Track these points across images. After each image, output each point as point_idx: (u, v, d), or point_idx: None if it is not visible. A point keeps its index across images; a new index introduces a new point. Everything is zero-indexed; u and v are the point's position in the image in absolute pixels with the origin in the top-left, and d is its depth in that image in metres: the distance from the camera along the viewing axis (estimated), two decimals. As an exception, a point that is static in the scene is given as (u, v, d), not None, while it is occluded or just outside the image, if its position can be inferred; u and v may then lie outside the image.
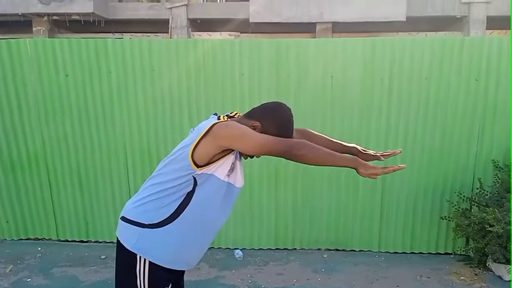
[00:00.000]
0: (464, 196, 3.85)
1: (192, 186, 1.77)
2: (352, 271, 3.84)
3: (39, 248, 4.28)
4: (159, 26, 10.27)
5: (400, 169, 1.68)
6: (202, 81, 3.95)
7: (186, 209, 1.79)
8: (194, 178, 1.76)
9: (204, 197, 1.79)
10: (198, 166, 1.74)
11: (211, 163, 1.76)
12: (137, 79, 3.97)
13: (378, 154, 2.03)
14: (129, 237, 1.83)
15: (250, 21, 9.55)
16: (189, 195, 1.78)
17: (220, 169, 1.79)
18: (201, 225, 1.85)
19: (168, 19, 9.93)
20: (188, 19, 10.00)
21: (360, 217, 4.13)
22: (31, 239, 4.48)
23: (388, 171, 1.68)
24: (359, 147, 2.08)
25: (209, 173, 1.77)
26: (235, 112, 1.99)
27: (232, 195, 1.91)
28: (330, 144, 2.13)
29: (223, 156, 1.78)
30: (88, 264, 3.95)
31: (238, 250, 4.20)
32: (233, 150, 1.81)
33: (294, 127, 1.95)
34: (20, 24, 9.98)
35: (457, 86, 3.82)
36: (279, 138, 1.75)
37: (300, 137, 2.09)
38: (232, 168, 1.83)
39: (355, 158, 1.74)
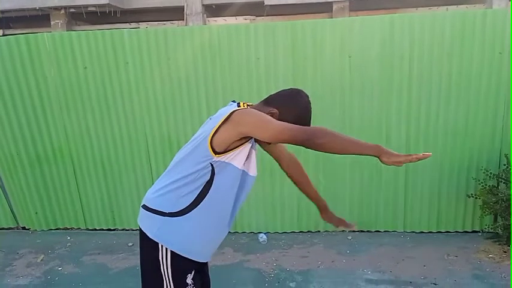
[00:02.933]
0: (491, 173, 3.76)
1: (210, 175, 1.77)
2: (378, 252, 3.83)
3: (69, 237, 4.40)
4: (174, 13, 10.24)
5: (425, 158, 1.57)
6: (219, 67, 3.94)
7: (205, 199, 1.79)
8: (212, 166, 1.76)
9: (222, 186, 1.79)
10: (216, 153, 1.73)
11: (229, 151, 1.74)
12: (154, 68, 3.99)
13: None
14: (151, 226, 1.85)
15: (265, 3, 9.43)
16: (208, 185, 1.78)
17: (237, 158, 1.78)
18: (218, 215, 1.86)
19: (183, 6, 9.89)
20: (203, 5, 9.94)
21: (384, 197, 4.09)
22: (60, 228, 4.61)
23: (412, 159, 1.57)
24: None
25: (227, 161, 1.76)
26: (250, 103, 1.97)
27: (247, 184, 1.90)
28: (307, 187, 2.17)
29: (241, 144, 1.77)
30: (116, 251, 4.04)
31: (262, 234, 4.23)
32: (250, 139, 1.79)
33: (291, 153, 1.94)
34: (38, 19, 10.10)
35: (481, 61, 3.70)
36: (299, 126, 1.69)
37: (288, 162, 2.17)
38: (249, 156, 1.83)
39: (378, 146, 1.63)
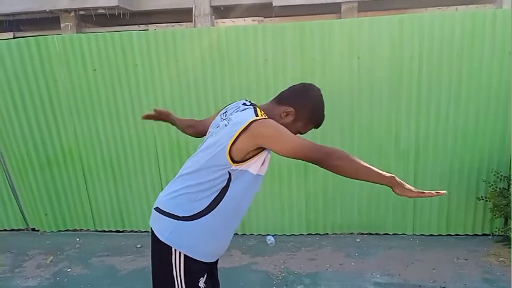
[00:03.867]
0: (501, 175, 3.71)
1: (226, 181, 1.77)
2: (386, 255, 3.80)
3: (78, 239, 4.42)
4: (183, 15, 10.28)
5: (438, 195, 1.61)
6: (227, 69, 3.94)
7: (220, 204, 1.79)
8: (229, 173, 1.76)
9: (237, 192, 1.80)
10: (234, 162, 1.73)
11: (247, 159, 1.75)
12: (163, 70, 4.00)
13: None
14: (163, 229, 1.85)
15: (274, 4, 9.42)
16: (224, 191, 1.78)
17: (254, 165, 1.79)
18: (231, 218, 1.87)
19: (191, 8, 9.92)
20: (211, 6, 9.97)
21: (393, 200, 4.06)
22: (70, 230, 4.63)
23: (424, 195, 1.60)
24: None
25: (244, 169, 1.76)
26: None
27: (258, 184, 1.92)
28: None
29: (258, 153, 1.78)
30: (125, 253, 4.05)
31: (270, 236, 4.22)
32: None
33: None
34: (48, 21, 10.19)
35: (491, 61, 3.66)
36: (316, 144, 1.69)
37: None
38: (265, 162, 1.84)
39: (392, 176, 1.65)
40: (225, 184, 1.78)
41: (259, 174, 1.86)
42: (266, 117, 1.81)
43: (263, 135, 1.71)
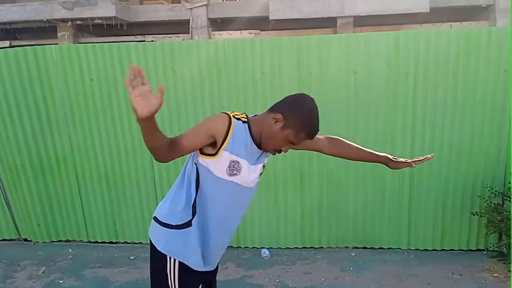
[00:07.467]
0: (496, 191, 3.74)
1: (196, 175, 1.82)
2: (381, 269, 3.79)
3: (70, 250, 4.37)
4: (180, 26, 10.36)
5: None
6: (224, 81, 3.96)
7: (198, 203, 1.83)
8: (196, 166, 1.81)
9: (207, 190, 1.82)
10: (202, 153, 1.79)
11: (210, 155, 1.77)
12: (160, 81, 4.00)
13: (409, 161, 1.99)
14: (159, 239, 1.89)
15: (270, 18, 9.53)
16: (197, 185, 1.82)
17: (215, 166, 1.78)
18: (215, 224, 1.87)
19: (189, 19, 10.00)
20: (208, 19, 10.05)
21: (388, 214, 4.07)
22: (62, 241, 4.58)
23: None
24: (390, 156, 2.07)
25: (204, 164, 1.79)
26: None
27: (243, 195, 1.91)
28: (361, 153, 2.15)
29: (216, 152, 1.76)
30: (118, 265, 4.01)
31: (265, 249, 4.20)
32: (222, 146, 1.76)
33: (328, 135, 1.97)
34: (45, 30, 10.23)
35: (486, 78, 3.71)
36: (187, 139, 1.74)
37: (330, 145, 2.10)
38: (234, 168, 1.79)
39: None
40: (196, 177, 1.81)
41: (236, 183, 1.83)
42: (229, 113, 1.80)
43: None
